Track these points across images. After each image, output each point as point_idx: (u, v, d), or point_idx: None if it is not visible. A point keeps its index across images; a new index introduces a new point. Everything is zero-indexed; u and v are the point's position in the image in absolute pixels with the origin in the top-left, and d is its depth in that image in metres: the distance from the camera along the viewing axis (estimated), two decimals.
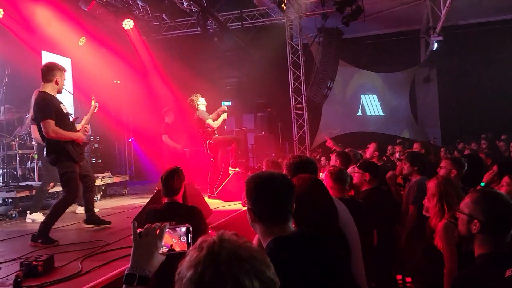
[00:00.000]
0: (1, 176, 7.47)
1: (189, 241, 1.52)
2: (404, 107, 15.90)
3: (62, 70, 4.55)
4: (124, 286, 1.39)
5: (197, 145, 10.49)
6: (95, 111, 5.15)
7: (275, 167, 4.72)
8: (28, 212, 5.78)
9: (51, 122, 4.25)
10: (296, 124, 12.19)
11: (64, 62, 10.68)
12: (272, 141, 12.39)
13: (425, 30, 13.79)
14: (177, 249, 1.51)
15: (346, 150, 5.60)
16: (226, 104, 13.51)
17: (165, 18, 10.83)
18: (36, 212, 5.75)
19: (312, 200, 2.08)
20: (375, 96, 15.84)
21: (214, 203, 6.35)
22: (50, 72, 4.44)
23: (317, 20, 11.90)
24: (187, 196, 3.57)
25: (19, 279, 2.84)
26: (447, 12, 10.31)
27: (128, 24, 10.45)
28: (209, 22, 11.15)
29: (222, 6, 11.81)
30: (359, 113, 15.71)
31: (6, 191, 6.45)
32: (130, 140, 13.00)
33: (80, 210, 6.27)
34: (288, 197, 1.72)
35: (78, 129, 4.73)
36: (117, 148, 12.83)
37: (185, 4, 10.73)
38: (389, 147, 8.93)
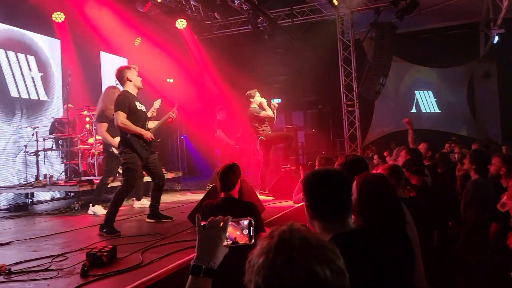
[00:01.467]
0: (64, 171, 7.90)
1: (251, 234, 1.53)
2: (462, 104, 15.23)
3: (129, 68, 4.94)
4: (190, 277, 1.42)
5: (248, 142, 10.59)
6: (170, 119, 5.36)
7: (328, 164, 4.67)
8: (91, 205, 6.07)
9: (121, 114, 4.65)
10: (347, 121, 12.00)
11: (121, 62, 11.12)
12: (322, 138, 12.27)
13: (484, 23, 13.13)
14: (240, 242, 1.53)
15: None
16: (275, 101, 13.56)
17: (216, 17, 10.99)
18: (98, 205, 6.03)
19: (380, 198, 2.04)
20: (430, 92, 15.29)
21: (266, 200, 6.37)
22: (120, 75, 4.90)
23: (370, 14, 11.64)
24: (242, 192, 3.61)
25: (85, 268, 2.99)
26: (509, 4, 9.75)
27: (181, 24, 10.72)
28: (259, 19, 11.20)
29: (273, 4, 11.82)
30: (413, 110, 15.22)
31: (70, 185, 6.80)
32: (182, 137, 13.31)
33: (137, 204, 6.52)
34: (346, 193, 1.72)
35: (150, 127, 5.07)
36: (170, 145, 13.18)
37: (236, 2, 10.84)
38: (446, 145, 8.64)
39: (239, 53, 13.20)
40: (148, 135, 4.81)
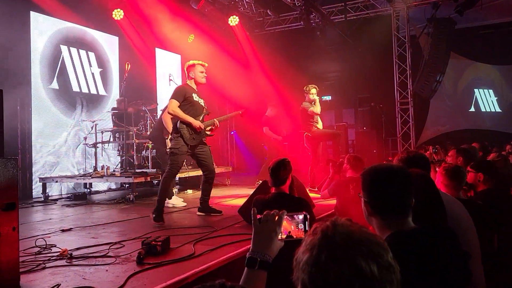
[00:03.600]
0: (120, 163, 8.23)
1: (306, 228, 1.52)
2: None
3: (195, 64, 5.28)
4: (246, 269, 1.43)
5: (297, 138, 10.54)
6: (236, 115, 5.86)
7: (359, 163, 4.54)
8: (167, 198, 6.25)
9: (174, 102, 4.99)
10: (401, 119, 11.65)
11: (175, 58, 11.41)
12: (374, 137, 11.97)
13: None
14: (295, 236, 1.53)
15: (464, 146, 5.20)
16: (325, 98, 13.41)
17: (269, 13, 11.00)
18: (174, 196, 6.30)
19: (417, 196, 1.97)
20: (491, 91, 14.53)
21: (315, 198, 6.31)
22: (187, 71, 5.31)
23: (427, 9, 11.21)
24: (293, 188, 3.60)
25: (141, 256, 3.11)
26: None
27: (233, 20, 10.83)
28: (312, 15, 11.10)
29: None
30: (472, 109, 14.54)
31: (125, 177, 7.08)
32: (232, 133, 13.47)
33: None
34: (408, 190, 1.65)
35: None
36: (220, 141, 13.38)
37: None
38: (508, 147, 8.23)
39: (290, 49, 13.14)
40: (196, 123, 5.01)
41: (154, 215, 4.70)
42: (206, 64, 5.33)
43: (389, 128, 11.97)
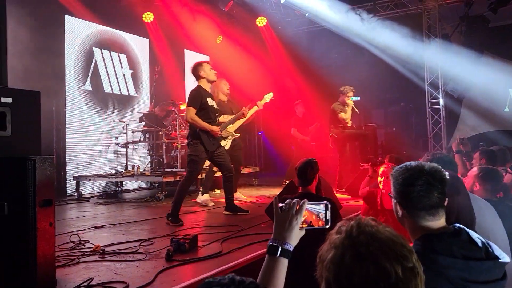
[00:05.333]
0: (150, 162, 8.40)
1: (328, 218, 1.53)
2: None
3: (202, 63, 5.26)
4: (267, 256, 1.45)
5: (324, 139, 10.49)
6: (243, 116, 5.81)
7: (399, 164, 4.49)
8: (200, 193, 6.39)
9: (192, 110, 4.97)
10: (432, 120, 11.43)
11: (203, 59, 11.52)
12: (404, 137, 11.78)
13: None
14: (316, 225, 1.54)
15: (493, 148, 5.07)
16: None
17: (297, 13, 10.97)
18: (207, 193, 6.41)
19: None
20: None
21: (343, 199, 6.28)
22: (194, 72, 5.22)
23: (459, 8, 10.94)
24: (320, 188, 3.60)
25: (170, 253, 3.19)
26: None
27: (261, 21, 10.88)
28: None
29: None
30: (506, 109, 14.07)
31: (155, 176, 7.23)
32: (259, 133, 13.51)
33: (199, 198, 6.43)
34: (441, 190, 1.61)
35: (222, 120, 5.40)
36: (248, 141, 13.43)
37: None
38: None
39: (318, 49, 13.07)
40: (215, 130, 5.05)
41: (170, 219, 4.73)
42: (209, 62, 5.36)
43: (419, 128, 11.75)
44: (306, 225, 1.52)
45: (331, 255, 1.02)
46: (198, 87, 5.17)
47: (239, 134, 6.40)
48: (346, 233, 1.04)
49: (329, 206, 1.55)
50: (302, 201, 1.52)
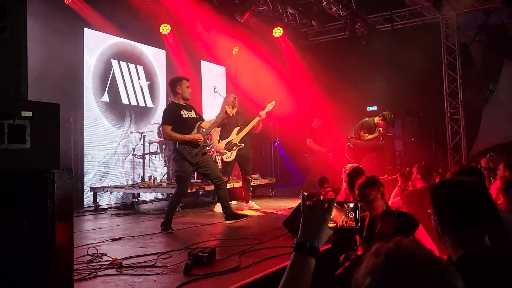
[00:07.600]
0: (166, 174, 8.40)
1: (357, 218, 1.47)
2: None
3: (180, 80, 5.23)
4: (293, 253, 1.38)
5: (341, 150, 10.38)
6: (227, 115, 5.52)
7: (429, 174, 4.40)
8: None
9: (167, 127, 5.06)
10: (451, 130, 11.24)
11: (219, 70, 11.58)
12: (422, 148, 11.57)
13: None
14: (345, 225, 1.48)
15: None
16: (371, 109, 13.14)
17: (313, 24, 10.95)
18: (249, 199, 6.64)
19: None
20: None
21: None
22: (171, 86, 5.26)
23: (478, 16, 10.80)
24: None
25: (189, 267, 3.13)
26: None
27: (277, 32, 10.89)
28: (357, 25, 10.97)
29: (371, 8, 11.49)
30: None
31: (171, 187, 7.20)
32: (276, 144, 13.45)
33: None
34: (484, 207, 1.54)
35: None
36: (264, 152, 13.38)
37: (334, 9, 10.72)
38: None
39: (335, 59, 13.01)
40: (196, 137, 5.06)
41: (162, 227, 4.94)
42: (189, 79, 5.30)
43: (438, 139, 11.55)
44: (335, 224, 1.47)
45: (369, 280, 0.95)
46: (171, 103, 5.27)
47: (243, 145, 6.47)
48: (386, 256, 0.97)
49: (359, 205, 1.49)
50: (331, 199, 1.46)
